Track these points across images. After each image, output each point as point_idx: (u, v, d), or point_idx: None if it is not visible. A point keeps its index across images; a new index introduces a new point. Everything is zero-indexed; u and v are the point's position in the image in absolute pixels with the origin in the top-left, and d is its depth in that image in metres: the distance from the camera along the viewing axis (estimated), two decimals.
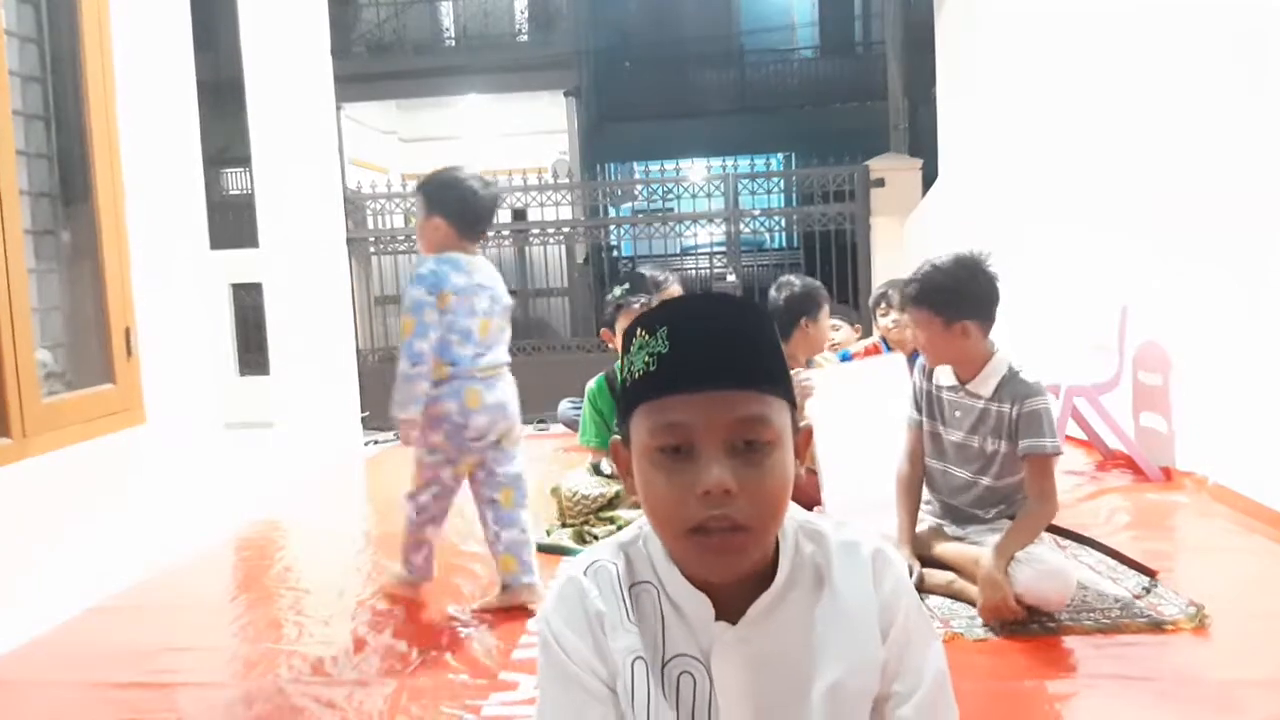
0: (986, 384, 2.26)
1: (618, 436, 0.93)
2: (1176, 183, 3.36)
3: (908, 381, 2.67)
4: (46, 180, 2.80)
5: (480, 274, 2.49)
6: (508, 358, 2.52)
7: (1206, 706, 1.79)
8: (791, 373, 0.94)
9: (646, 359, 0.85)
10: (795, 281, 3.27)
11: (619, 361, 3.46)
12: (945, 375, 2.35)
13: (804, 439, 0.91)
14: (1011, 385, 2.23)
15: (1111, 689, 1.87)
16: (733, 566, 0.86)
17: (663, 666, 0.89)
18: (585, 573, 0.92)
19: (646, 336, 0.86)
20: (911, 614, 0.92)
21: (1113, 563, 2.49)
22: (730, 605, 0.89)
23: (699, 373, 0.83)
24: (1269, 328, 2.86)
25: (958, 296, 2.22)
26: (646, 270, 3.56)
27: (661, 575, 0.91)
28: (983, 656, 1.99)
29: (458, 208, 2.52)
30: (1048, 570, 2.12)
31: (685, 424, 0.83)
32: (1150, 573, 2.37)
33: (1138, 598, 2.24)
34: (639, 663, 0.88)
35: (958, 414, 2.33)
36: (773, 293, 3.27)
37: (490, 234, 7.09)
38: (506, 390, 2.49)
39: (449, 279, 2.41)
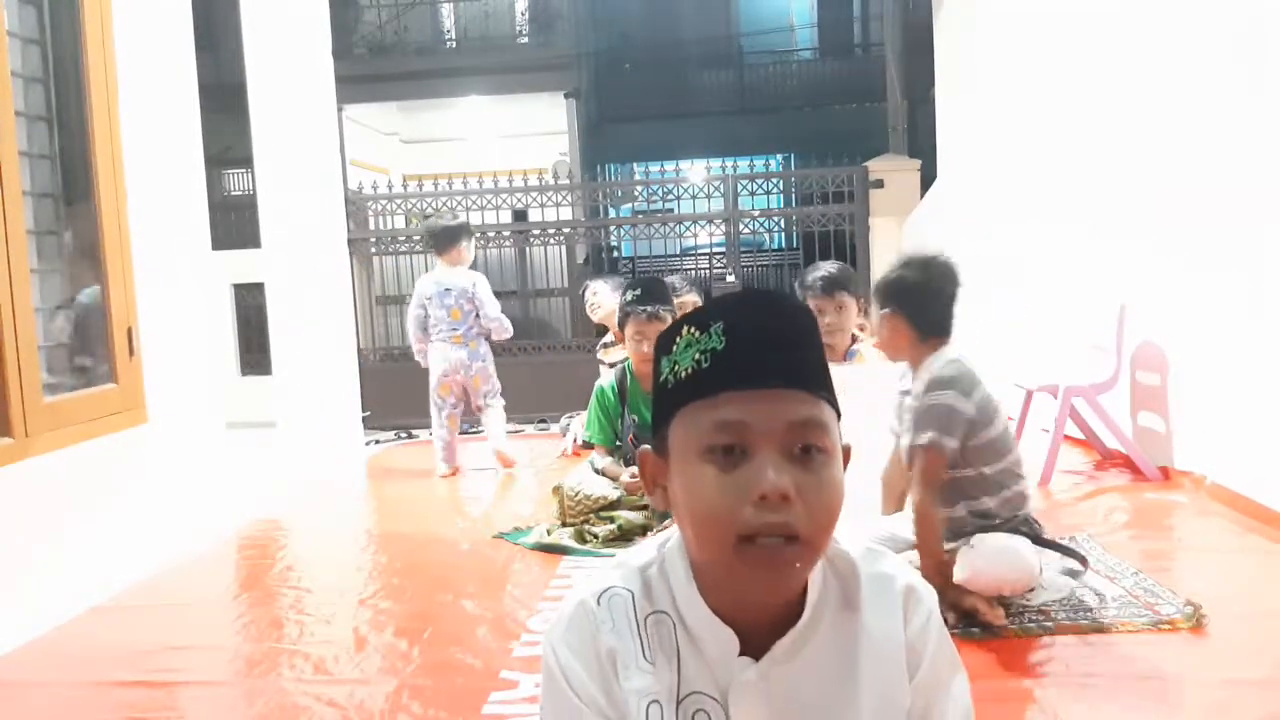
0: (920, 381, 2.28)
1: (646, 447, 0.88)
2: (1174, 183, 3.37)
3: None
4: (49, 181, 2.81)
5: (447, 282, 4.28)
6: (479, 329, 4.30)
7: (1203, 706, 1.79)
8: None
9: (697, 356, 0.81)
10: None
11: (627, 360, 3.46)
12: (908, 380, 2.38)
13: (844, 457, 0.84)
14: (932, 379, 2.23)
15: (1107, 688, 1.87)
16: (782, 583, 0.81)
17: (677, 705, 0.84)
18: (599, 601, 0.86)
19: (697, 334, 0.82)
20: (938, 652, 0.87)
21: (1111, 561, 2.50)
22: (752, 640, 0.83)
23: (759, 369, 0.79)
24: (1267, 327, 2.87)
25: (885, 285, 2.32)
26: (670, 279, 3.59)
27: (681, 605, 0.85)
28: (978, 655, 2.00)
29: (427, 238, 4.53)
30: (995, 548, 2.09)
31: (741, 423, 0.78)
32: (1081, 560, 2.34)
33: (1134, 597, 2.25)
34: (654, 706, 0.83)
35: (906, 414, 2.34)
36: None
37: (492, 235, 7.15)
38: (467, 351, 4.29)
39: (422, 290, 4.36)
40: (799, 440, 0.79)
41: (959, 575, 2.12)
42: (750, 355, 0.80)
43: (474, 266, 4.77)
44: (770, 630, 0.83)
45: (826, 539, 0.81)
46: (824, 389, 0.82)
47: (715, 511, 0.78)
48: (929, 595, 0.89)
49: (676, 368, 0.83)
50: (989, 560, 2.10)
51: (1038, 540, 2.28)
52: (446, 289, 4.23)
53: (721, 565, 0.80)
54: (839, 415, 0.84)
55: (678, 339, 0.84)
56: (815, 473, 0.79)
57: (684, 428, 0.82)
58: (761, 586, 0.80)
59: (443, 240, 4.27)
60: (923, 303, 2.26)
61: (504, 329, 4.39)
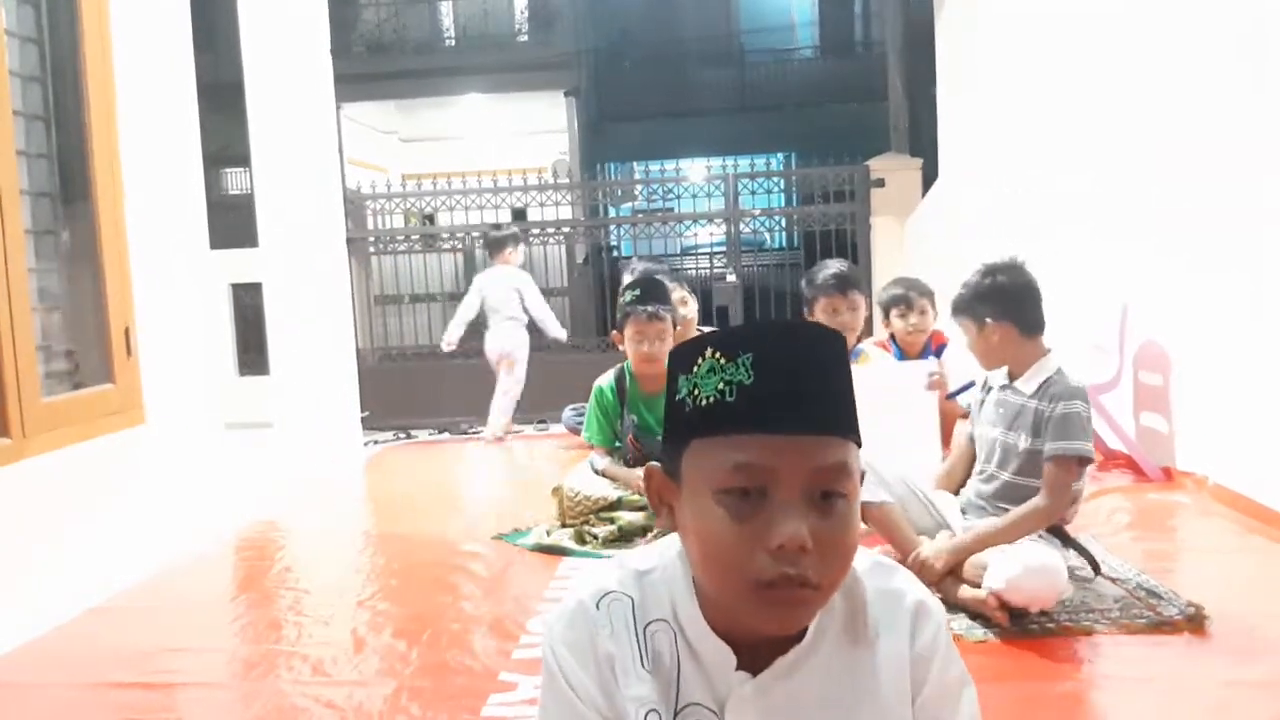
0: (1031, 382, 2.32)
1: (655, 464, 0.85)
2: (1177, 182, 3.36)
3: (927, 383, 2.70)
4: (47, 180, 2.80)
5: (499, 276, 5.41)
6: (512, 315, 5.34)
7: (1206, 707, 1.79)
8: None
9: (721, 386, 0.76)
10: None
11: (626, 362, 3.45)
12: (998, 376, 2.43)
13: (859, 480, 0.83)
14: (1054, 385, 2.28)
15: (1110, 689, 1.87)
16: (793, 624, 0.80)
17: (675, 715, 0.83)
18: (598, 604, 0.85)
19: (723, 360, 0.77)
20: (946, 668, 0.86)
21: (1113, 562, 2.49)
22: (751, 653, 0.82)
23: (787, 413, 0.75)
24: (1269, 327, 2.86)
25: (979, 300, 2.36)
26: (661, 277, 3.61)
27: (681, 617, 0.84)
28: (982, 657, 1.99)
29: (485, 244, 5.82)
30: (1035, 567, 2.09)
31: (763, 467, 0.75)
32: (1094, 565, 2.35)
33: (1136, 598, 2.24)
34: (652, 715, 0.82)
35: (1000, 410, 2.37)
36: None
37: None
38: (505, 334, 5.35)
39: (479, 283, 5.50)
40: (821, 486, 0.76)
41: (994, 583, 2.11)
42: (779, 398, 0.75)
43: (470, 264, 5.84)
44: (769, 646, 0.82)
45: (841, 581, 0.80)
46: (851, 429, 0.79)
47: (728, 557, 0.76)
48: (938, 610, 0.88)
49: (696, 392, 0.78)
50: (1029, 577, 2.08)
51: (1063, 539, 2.30)
52: (497, 282, 5.38)
53: (732, 602, 0.79)
54: (860, 445, 0.81)
55: (700, 360, 0.79)
56: (835, 519, 0.77)
57: (700, 460, 0.79)
58: (771, 626, 0.79)
59: (493, 245, 5.53)
60: (1023, 304, 2.34)
61: (546, 323, 5.41)
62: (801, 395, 0.76)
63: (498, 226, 6.07)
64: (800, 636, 0.82)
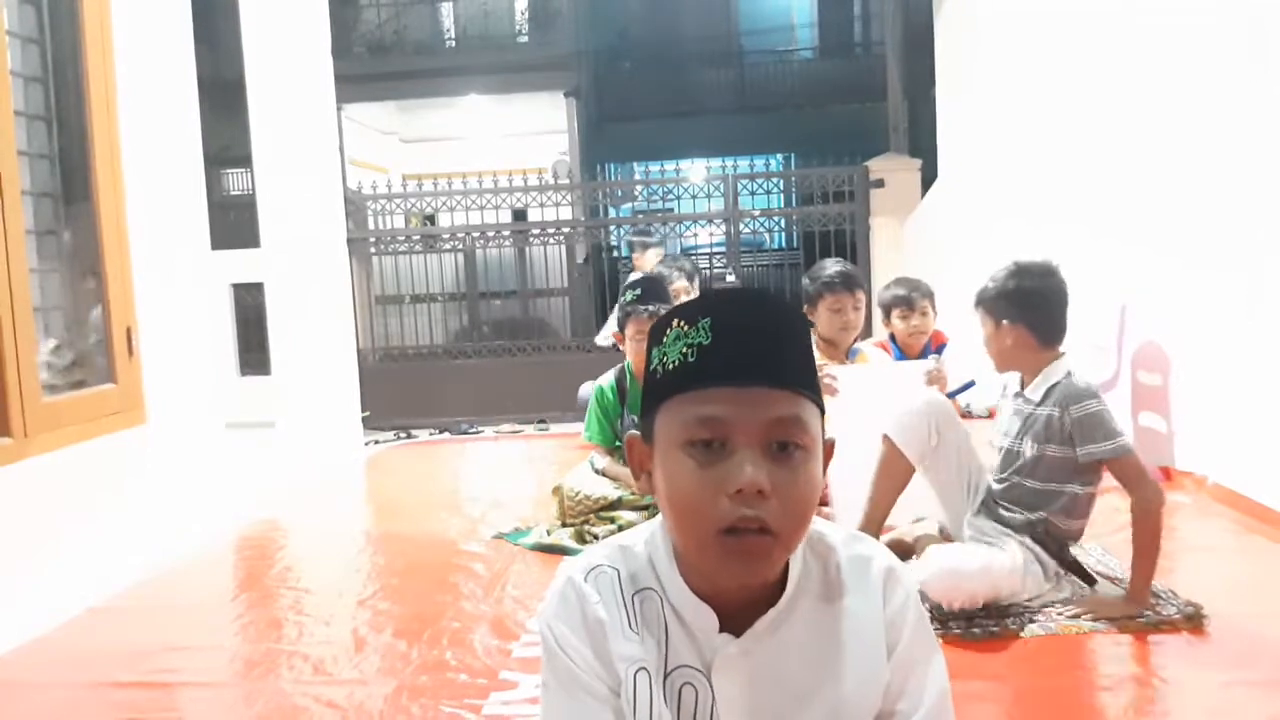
0: (1039, 389, 2.25)
1: (635, 432, 0.90)
2: (1176, 182, 3.37)
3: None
4: (48, 180, 2.81)
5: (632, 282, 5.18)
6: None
7: (1203, 708, 1.79)
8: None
9: (684, 349, 0.83)
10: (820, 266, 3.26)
11: (627, 361, 3.47)
12: (1013, 383, 2.38)
13: (827, 451, 0.87)
14: (1061, 389, 2.21)
15: (1108, 689, 1.87)
16: (755, 572, 0.84)
17: (665, 677, 0.87)
18: (586, 578, 0.90)
19: (685, 327, 0.84)
20: (917, 631, 0.90)
21: (1111, 563, 2.50)
22: (734, 617, 0.87)
23: (742, 367, 0.81)
24: (1268, 327, 2.87)
25: (1000, 298, 2.30)
26: (659, 270, 3.62)
27: (665, 583, 0.89)
28: (979, 657, 1.99)
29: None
30: (961, 568, 2.10)
31: (722, 419, 0.81)
32: (1089, 579, 2.34)
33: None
34: (641, 674, 0.87)
35: (1015, 419, 2.32)
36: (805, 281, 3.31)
37: (491, 234, 7.15)
38: None
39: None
40: (778, 437, 0.82)
41: (921, 573, 2.12)
42: (734, 352, 0.82)
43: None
44: (751, 609, 0.87)
45: (800, 532, 0.84)
46: (807, 386, 0.84)
47: (694, 503, 0.82)
48: (907, 577, 0.93)
49: (665, 359, 0.85)
50: (953, 574, 2.10)
51: (1061, 560, 2.27)
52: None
53: (698, 552, 0.84)
54: (822, 411, 0.86)
55: (668, 331, 0.86)
56: (791, 469, 0.82)
57: (668, 419, 0.84)
58: (735, 574, 0.84)
59: (632, 249, 5.52)
60: (1044, 311, 2.26)
61: None
62: (754, 351, 0.82)
63: (645, 232, 5.99)
64: (778, 598, 0.87)
